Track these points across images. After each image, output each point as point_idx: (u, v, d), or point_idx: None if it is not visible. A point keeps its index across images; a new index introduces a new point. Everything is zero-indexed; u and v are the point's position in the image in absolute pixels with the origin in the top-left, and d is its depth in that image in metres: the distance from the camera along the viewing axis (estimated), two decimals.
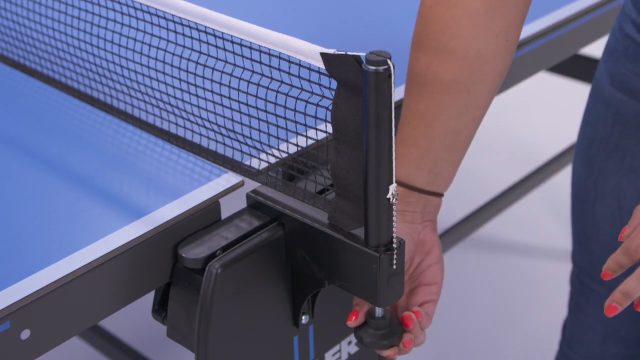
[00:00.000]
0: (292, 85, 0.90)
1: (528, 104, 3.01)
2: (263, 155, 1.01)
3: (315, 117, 0.90)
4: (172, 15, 0.96)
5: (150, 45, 1.04)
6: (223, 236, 0.94)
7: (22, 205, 0.97)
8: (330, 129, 0.88)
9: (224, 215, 0.98)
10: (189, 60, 1.01)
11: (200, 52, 0.98)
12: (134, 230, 0.92)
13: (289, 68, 0.90)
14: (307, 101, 0.90)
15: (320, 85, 0.88)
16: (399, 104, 1.14)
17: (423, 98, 0.94)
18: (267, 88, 0.93)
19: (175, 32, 1.00)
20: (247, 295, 0.94)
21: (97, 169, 1.03)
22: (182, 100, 1.05)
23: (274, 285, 0.96)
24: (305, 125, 0.93)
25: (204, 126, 1.04)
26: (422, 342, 0.95)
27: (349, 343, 1.09)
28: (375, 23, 1.39)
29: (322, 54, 0.83)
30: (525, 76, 1.38)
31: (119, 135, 1.10)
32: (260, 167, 1.00)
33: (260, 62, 0.92)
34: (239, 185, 1.00)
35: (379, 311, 0.92)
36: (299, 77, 0.89)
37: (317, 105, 0.89)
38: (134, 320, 1.88)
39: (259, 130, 0.97)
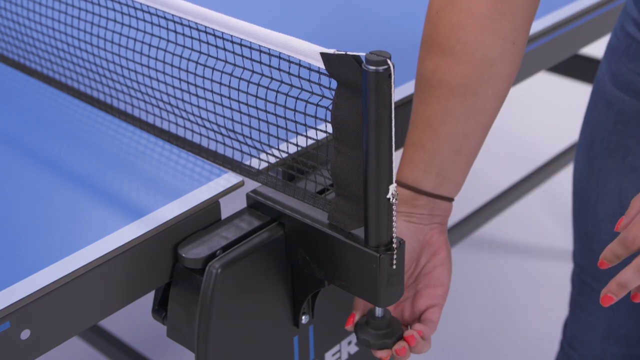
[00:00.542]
0: (292, 85, 0.90)
1: (528, 104, 3.00)
2: (263, 155, 1.01)
3: (315, 117, 0.90)
4: (172, 15, 0.96)
5: (150, 45, 1.04)
6: (223, 236, 0.94)
7: (22, 205, 0.97)
8: (330, 129, 0.88)
9: (224, 215, 0.98)
10: (189, 60, 1.01)
11: (200, 52, 0.98)
12: (134, 230, 0.92)
13: (289, 68, 0.90)
14: (307, 101, 0.90)
15: (320, 85, 0.88)
16: (399, 104, 1.15)
17: (430, 102, 0.94)
18: (267, 88, 0.93)
19: (175, 32, 1.00)
20: (247, 295, 0.94)
21: (97, 169, 1.03)
22: (182, 100, 1.05)
23: (274, 285, 0.96)
24: (305, 125, 0.93)
25: (204, 126, 1.04)
26: (427, 350, 0.95)
27: (349, 343, 1.09)
28: (375, 23, 1.39)
29: (322, 54, 0.83)
30: (525, 76, 1.38)
31: (119, 135, 1.10)
32: (260, 167, 1.00)
33: (260, 62, 0.92)
34: (239, 185, 0.99)
35: (378, 311, 0.92)
36: (299, 77, 0.89)
37: (317, 105, 0.89)
38: (134, 320, 1.88)
39: (259, 130, 0.97)
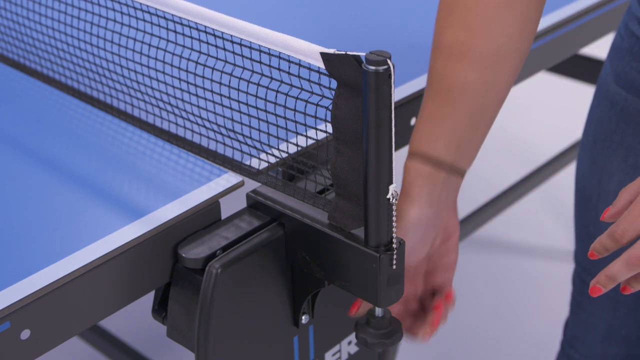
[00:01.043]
0: (292, 85, 0.90)
1: (528, 104, 3.00)
2: (263, 155, 1.01)
3: (315, 117, 0.90)
4: (172, 15, 0.96)
5: (150, 45, 1.04)
6: (223, 236, 0.94)
7: (22, 205, 0.97)
8: (330, 129, 0.88)
9: (224, 215, 0.98)
10: (188, 60, 1.01)
11: (200, 52, 0.98)
12: (134, 230, 0.92)
13: (289, 68, 0.89)
14: (307, 101, 0.90)
15: (320, 85, 0.88)
16: (399, 104, 1.15)
17: (449, 73, 0.94)
18: (267, 88, 0.93)
19: (175, 32, 1.00)
20: (247, 295, 0.94)
21: (97, 169, 1.03)
22: (182, 100, 1.05)
23: (274, 285, 0.96)
24: (305, 125, 0.93)
25: (204, 126, 1.04)
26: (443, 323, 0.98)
27: (349, 343, 1.09)
28: (375, 23, 1.39)
29: (322, 54, 0.83)
30: (525, 76, 1.38)
31: (119, 135, 1.10)
32: (260, 167, 1.00)
33: (260, 62, 0.92)
34: (239, 185, 1.00)
35: (379, 311, 0.92)
36: (299, 77, 0.89)
37: (317, 105, 0.89)
38: (134, 320, 1.88)
39: (259, 130, 0.97)
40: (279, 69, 0.90)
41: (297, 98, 0.91)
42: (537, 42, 1.35)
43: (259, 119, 0.96)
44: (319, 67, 0.85)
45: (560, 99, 3.01)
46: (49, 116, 1.15)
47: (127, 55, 1.10)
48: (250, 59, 0.93)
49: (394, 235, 0.86)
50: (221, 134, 1.02)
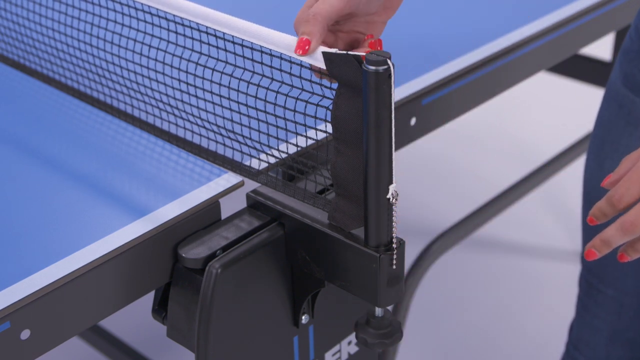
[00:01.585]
0: (292, 86, 0.90)
1: (528, 104, 3.01)
2: (263, 156, 1.01)
3: (315, 117, 0.90)
4: (172, 15, 0.96)
5: (150, 46, 1.04)
6: (223, 236, 0.94)
7: (22, 205, 0.97)
8: (330, 129, 0.88)
9: (224, 215, 0.98)
10: (189, 60, 1.01)
11: (200, 53, 0.98)
12: (134, 230, 0.92)
13: (290, 68, 0.90)
14: (307, 101, 0.90)
15: (320, 85, 0.88)
16: (399, 104, 1.15)
17: None
18: (267, 88, 0.93)
19: (176, 32, 1.00)
20: (247, 295, 0.94)
21: (97, 169, 1.03)
22: (182, 100, 1.05)
23: (274, 285, 0.96)
24: (305, 125, 0.93)
25: (204, 126, 1.04)
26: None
27: (349, 343, 1.09)
28: None
29: (324, 54, 0.83)
30: (525, 76, 1.38)
31: (119, 135, 1.10)
32: (260, 167, 1.00)
33: (261, 63, 0.92)
34: (239, 185, 1.00)
35: (378, 311, 0.92)
36: (299, 77, 0.89)
37: (317, 105, 0.89)
38: (134, 320, 1.88)
39: (259, 131, 0.97)
40: (280, 69, 0.90)
41: (297, 98, 0.91)
42: (537, 42, 1.35)
43: (259, 119, 0.96)
44: (319, 68, 0.85)
45: (560, 99, 3.01)
46: (49, 116, 1.15)
47: (127, 55, 1.10)
48: (251, 59, 0.93)
49: (394, 235, 0.86)
50: (221, 134, 1.02)
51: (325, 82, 0.88)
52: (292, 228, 0.94)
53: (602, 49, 2.25)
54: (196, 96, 1.02)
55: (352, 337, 1.09)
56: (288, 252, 0.95)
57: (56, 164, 1.04)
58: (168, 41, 1.02)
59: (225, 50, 0.95)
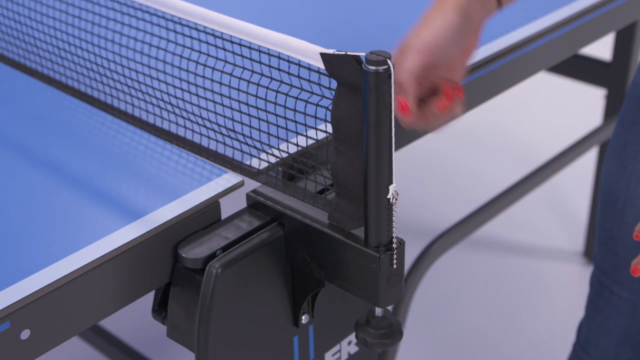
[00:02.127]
0: (292, 85, 0.90)
1: (528, 104, 3.00)
2: (263, 155, 1.01)
3: (315, 117, 0.90)
4: (172, 15, 0.96)
5: (150, 45, 1.04)
6: (223, 236, 0.94)
7: (22, 205, 0.97)
8: (330, 129, 0.88)
9: (224, 215, 0.98)
10: (189, 60, 1.01)
11: (200, 52, 0.98)
12: (133, 231, 0.92)
13: (289, 68, 0.90)
14: (307, 101, 0.90)
15: (320, 85, 0.88)
16: None
17: None
18: (267, 88, 0.93)
19: (175, 32, 1.00)
20: (247, 295, 0.94)
21: (97, 169, 1.03)
22: (183, 100, 1.05)
23: (274, 285, 0.96)
24: (305, 125, 0.93)
25: (204, 126, 1.04)
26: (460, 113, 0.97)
27: (349, 343, 1.09)
28: (375, 23, 1.39)
29: (322, 54, 0.83)
30: (525, 76, 1.38)
31: (119, 135, 1.10)
32: (260, 167, 1.00)
33: (260, 62, 0.92)
34: (239, 185, 1.00)
35: (378, 311, 0.92)
36: (299, 77, 0.89)
37: (317, 105, 0.89)
38: (134, 320, 1.88)
39: (259, 130, 0.97)
40: (279, 69, 0.90)
41: (297, 98, 0.91)
42: (537, 42, 1.35)
43: (259, 118, 0.96)
44: (319, 68, 0.85)
45: (560, 99, 3.01)
46: (49, 116, 1.15)
47: (128, 55, 1.10)
48: (250, 59, 0.93)
49: (394, 235, 0.86)
50: (221, 133, 1.02)
51: (324, 81, 0.88)
52: (292, 228, 0.94)
53: (602, 49, 2.25)
54: (197, 95, 1.02)
55: (352, 337, 1.09)
56: (288, 252, 0.95)
57: (56, 164, 1.04)
58: (168, 40, 1.02)
59: (225, 49, 0.95)
